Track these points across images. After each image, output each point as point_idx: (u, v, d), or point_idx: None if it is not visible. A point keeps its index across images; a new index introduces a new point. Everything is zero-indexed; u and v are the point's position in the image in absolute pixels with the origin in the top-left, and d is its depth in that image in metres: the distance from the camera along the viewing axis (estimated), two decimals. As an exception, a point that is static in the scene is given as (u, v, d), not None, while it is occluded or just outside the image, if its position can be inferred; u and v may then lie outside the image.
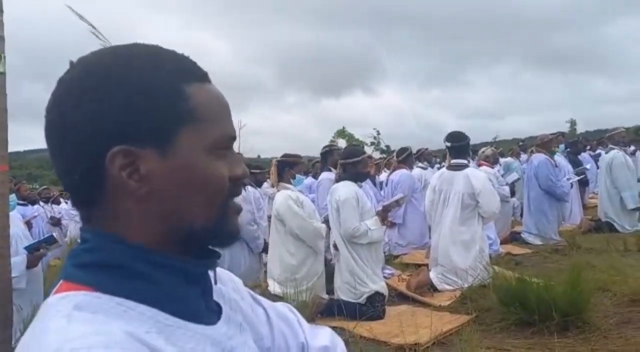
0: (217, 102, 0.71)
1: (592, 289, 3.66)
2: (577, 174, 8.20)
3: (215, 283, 0.75)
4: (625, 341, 3.11)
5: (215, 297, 0.75)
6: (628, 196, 7.40)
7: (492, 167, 7.63)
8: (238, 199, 0.74)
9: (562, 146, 9.30)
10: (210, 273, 0.74)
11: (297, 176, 4.55)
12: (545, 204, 7.07)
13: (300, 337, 0.89)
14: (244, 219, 4.87)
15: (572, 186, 7.66)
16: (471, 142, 5.57)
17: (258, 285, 4.58)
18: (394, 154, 8.19)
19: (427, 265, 5.27)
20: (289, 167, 4.49)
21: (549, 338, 3.16)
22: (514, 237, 7.34)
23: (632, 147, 12.68)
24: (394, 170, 7.43)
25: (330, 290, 4.50)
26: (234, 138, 0.72)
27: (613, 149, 7.83)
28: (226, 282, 0.82)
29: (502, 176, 8.15)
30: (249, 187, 5.43)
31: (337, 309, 3.98)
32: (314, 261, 4.39)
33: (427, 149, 9.50)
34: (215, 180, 0.68)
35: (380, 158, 11.17)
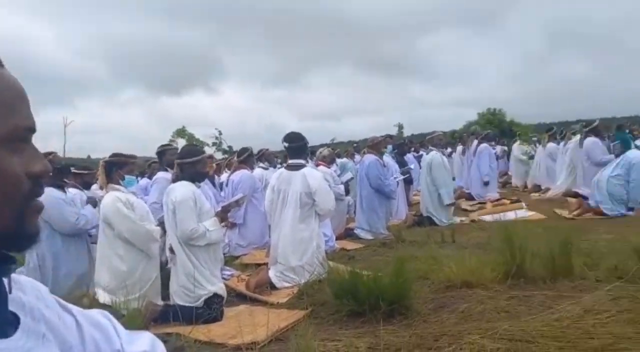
0: (9, 90, 0.63)
1: (414, 278, 4.00)
2: (403, 173, 8.99)
3: (10, 292, 0.67)
4: (441, 324, 3.44)
5: (12, 308, 0.67)
6: (444, 193, 8.30)
7: (329, 167, 8.01)
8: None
9: (389, 147, 10.06)
10: (5, 281, 0.67)
11: (128, 176, 4.30)
12: (376, 201, 7.60)
13: (116, 344, 0.84)
14: (70, 220, 4.50)
15: (398, 184, 8.36)
16: (310, 143, 5.77)
17: (85, 295, 4.24)
18: (235, 154, 8.17)
19: (267, 264, 5.33)
20: (117, 168, 4.22)
21: (376, 326, 3.38)
22: (348, 234, 7.75)
23: (449, 149, 14.25)
24: (234, 170, 7.41)
25: (166, 295, 4.32)
26: (32, 130, 0.65)
27: (432, 150, 8.72)
28: (27, 291, 0.74)
29: (339, 175, 8.58)
30: (73, 189, 5.00)
31: (173, 315, 3.84)
32: (146, 265, 4.18)
33: (268, 149, 9.63)
34: (8, 177, 0.61)
35: (223, 158, 11.05)
